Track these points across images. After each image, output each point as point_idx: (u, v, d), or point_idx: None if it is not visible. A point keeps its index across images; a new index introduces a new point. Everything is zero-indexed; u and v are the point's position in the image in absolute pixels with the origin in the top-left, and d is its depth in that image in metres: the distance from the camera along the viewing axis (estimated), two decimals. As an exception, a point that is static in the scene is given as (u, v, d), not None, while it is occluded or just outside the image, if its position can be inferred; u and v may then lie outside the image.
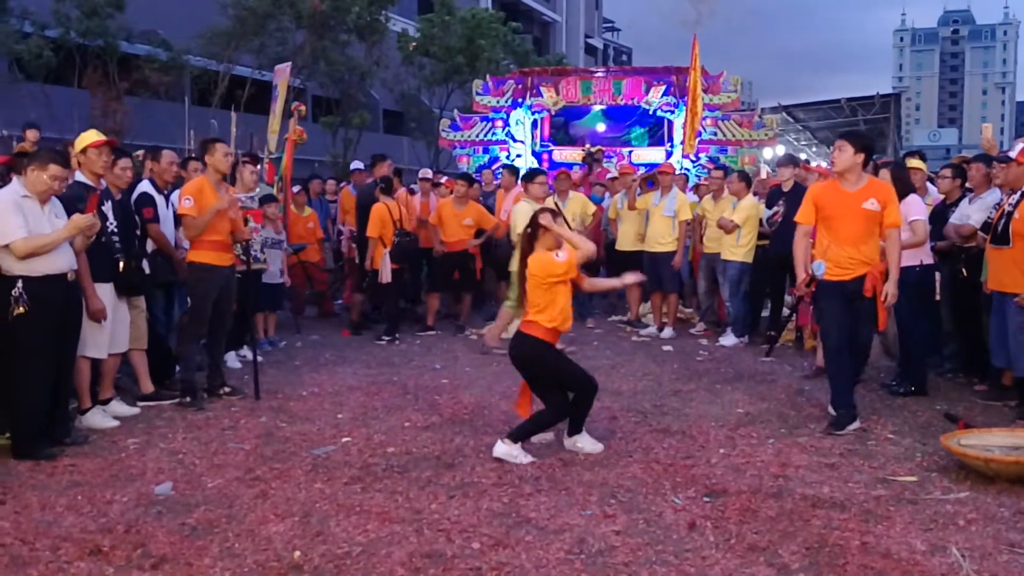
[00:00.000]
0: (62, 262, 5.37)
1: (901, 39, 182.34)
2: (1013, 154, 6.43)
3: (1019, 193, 6.26)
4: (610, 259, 11.08)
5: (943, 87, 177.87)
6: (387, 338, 9.51)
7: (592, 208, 10.91)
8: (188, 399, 6.57)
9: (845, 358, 6.04)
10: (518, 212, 8.70)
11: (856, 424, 5.90)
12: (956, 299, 7.10)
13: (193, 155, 8.39)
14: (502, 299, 10.78)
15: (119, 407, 6.31)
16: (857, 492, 4.71)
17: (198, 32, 20.70)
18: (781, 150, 19.32)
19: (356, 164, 12.53)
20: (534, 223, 5.55)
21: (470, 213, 10.24)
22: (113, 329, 6.09)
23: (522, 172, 10.76)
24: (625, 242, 10.50)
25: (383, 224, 9.51)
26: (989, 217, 6.68)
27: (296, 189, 10.76)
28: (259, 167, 8.90)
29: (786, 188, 9.02)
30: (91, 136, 6.11)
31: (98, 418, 6.02)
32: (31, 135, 7.58)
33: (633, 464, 5.21)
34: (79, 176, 5.95)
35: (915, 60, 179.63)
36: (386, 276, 9.45)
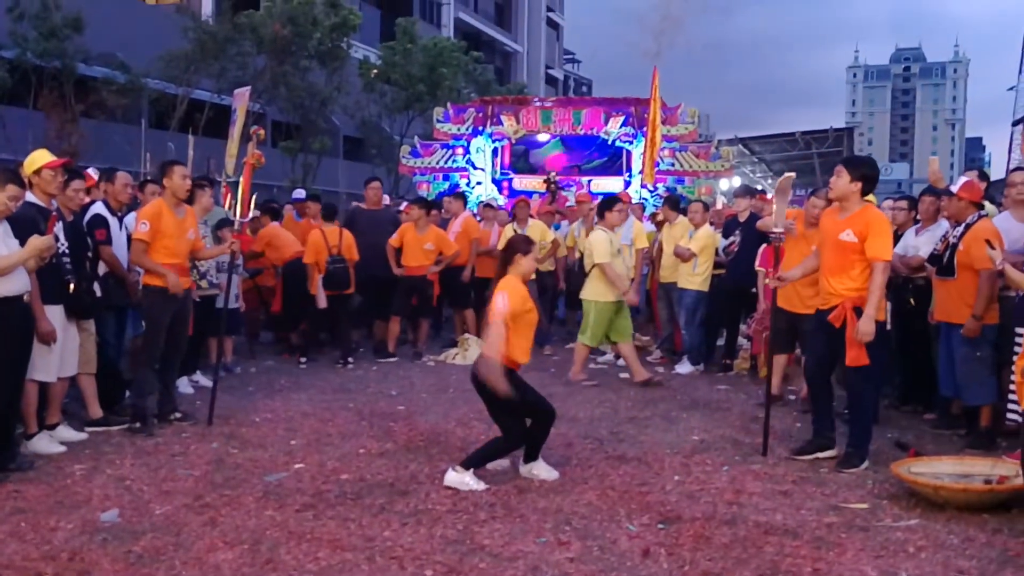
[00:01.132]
0: (18, 284, 5.27)
1: (854, 75, 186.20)
2: (955, 188, 6.56)
3: (963, 225, 6.40)
4: (569, 286, 11.14)
5: (895, 122, 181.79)
6: (341, 362, 9.47)
7: (551, 236, 10.97)
8: (138, 425, 6.46)
9: (820, 387, 5.96)
10: (596, 241, 8.66)
11: (831, 453, 5.86)
12: (904, 329, 7.19)
13: (149, 178, 8.31)
14: (461, 327, 10.80)
15: (66, 432, 6.17)
16: (809, 519, 4.74)
17: (157, 55, 20.57)
18: (737, 181, 19.59)
19: (298, 193, 12.45)
20: (512, 248, 5.52)
21: (431, 238, 10.23)
22: (62, 352, 5.97)
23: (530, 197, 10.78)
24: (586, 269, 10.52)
25: (318, 251, 9.54)
26: (935, 249, 6.80)
27: (253, 214, 10.68)
28: (213, 189, 8.84)
29: (742, 219, 9.14)
30: (44, 157, 6.02)
31: (44, 443, 5.89)
32: None
33: (588, 491, 5.20)
34: (30, 197, 5.86)
35: (868, 96, 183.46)
36: (322, 302, 9.47)
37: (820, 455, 5.85)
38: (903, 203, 7.87)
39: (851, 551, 4.28)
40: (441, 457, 5.86)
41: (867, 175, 5.70)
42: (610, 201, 9.00)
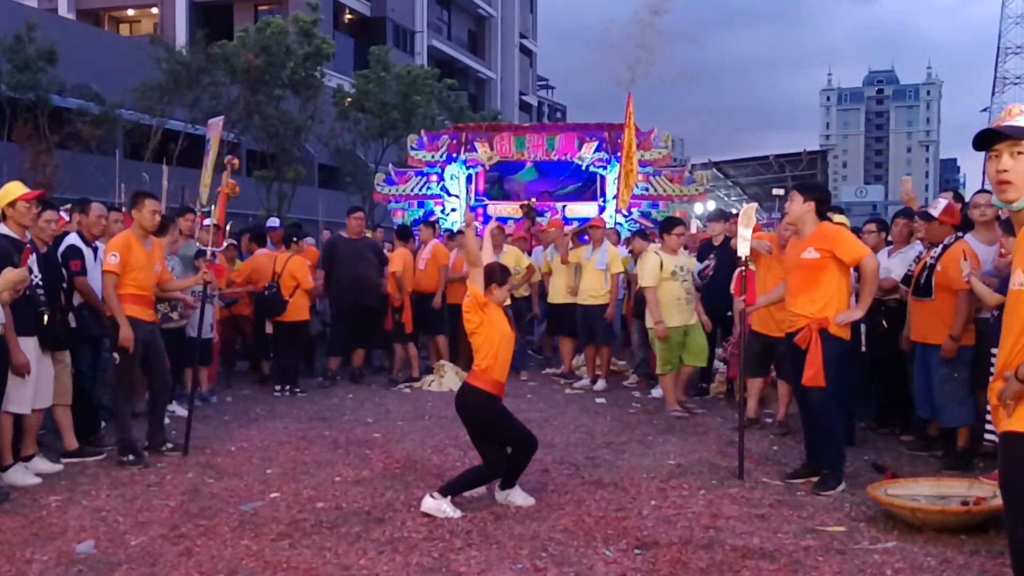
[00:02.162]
0: (-8, 316, 5.25)
1: (828, 98, 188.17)
2: (935, 211, 6.64)
3: (940, 247, 6.48)
4: (544, 312, 11.19)
5: (869, 145, 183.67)
6: (278, 390, 9.53)
7: (526, 261, 11.02)
8: (131, 457, 6.42)
9: (804, 413, 6.03)
10: (644, 263, 8.60)
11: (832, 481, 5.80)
12: (878, 351, 7.25)
13: (123, 207, 8.32)
14: (436, 354, 10.80)
15: (41, 464, 6.12)
16: (786, 542, 4.76)
17: (131, 86, 20.54)
18: (712, 205, 19.77)
19: (272, 222, 12.47)
20: (488, 278, 5.50)
21: (395, 264, 10.42)
22: (37, 384, 5.93)
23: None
24: (557, 295, 10.59)
25: (259, 277, 9.73)
26: (909, 270, 6.89)
27: (225, 243, 10.67)
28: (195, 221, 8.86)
29: (716, 242, 9.21)
30: (18, 189, 6.01)
31: (19, 475, 5.85)
32: None
33: (564, 517, 5.21)
34: (3, 229, 5.84)
35: (841, 119, 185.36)
36: (268, 328, 9.69)
37: (813, 479, 5.83)
38: (872, 226, 7.97)
39: (828, 574, 4.30)
40: (417, 484, 5.86)
41: (819, 197, 5.91)
42: (670, 223, 8.88)
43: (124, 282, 6.53)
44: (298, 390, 9.54)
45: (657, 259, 8.44)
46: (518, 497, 5.47)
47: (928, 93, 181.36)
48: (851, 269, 5.89)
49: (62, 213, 7.85)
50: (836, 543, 4.76)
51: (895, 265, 7.21)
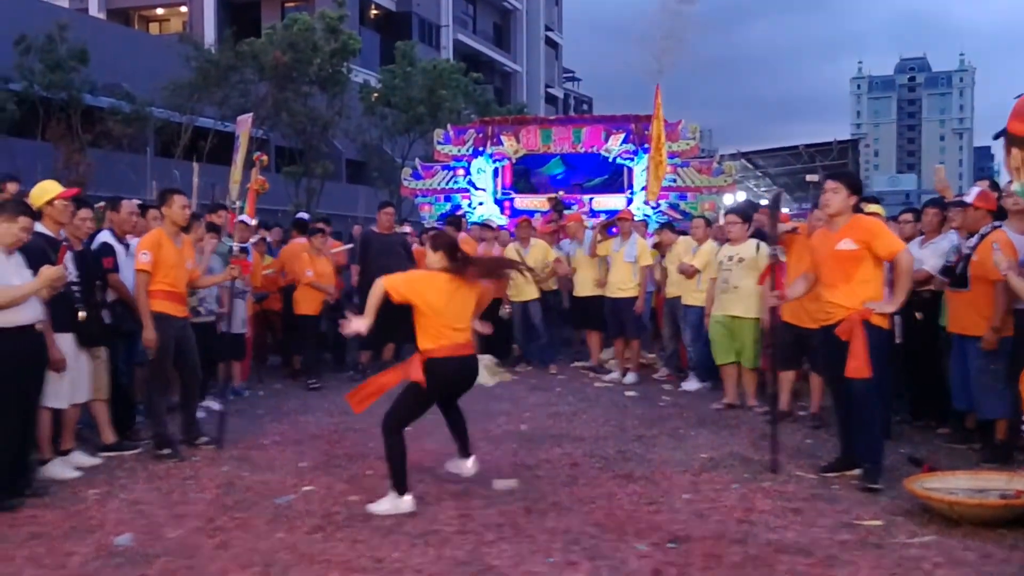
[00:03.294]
0: (31, 313, 5.33)
1: (858, 87, 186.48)
2: (969, 199, 6.54)
3: (976, 236, 6.37)
4: (571, 306, 11.19)
5: (901, 133, 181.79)
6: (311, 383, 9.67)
7: (553, 255, 11.01)
8: (167, 451, 6.49)
9: (842, 403, 5.92)
10: (708, 251, 8.74)
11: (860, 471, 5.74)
12: (910, 343, 7.15)
13: (149, 205, 8.39)
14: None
15: (80, 457, 6.22)
16: (822, 537, 4.72)
17: (162, 84, 20.74)
18: (741, 196, 19.60)
19: (301, 216, 12.59)
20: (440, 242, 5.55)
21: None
22: (74, 379, 6.03)
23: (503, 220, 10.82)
24: (583, 288, 10.58)
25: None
26: (948, 261, 6.78)
27: (255, 239, 10.74)
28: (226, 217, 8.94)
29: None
30: (54, 187, 6.10)
31: (59, 469, 5.94)
32: (11, 187, 7.52)
33: (596, 510, 5.21)
34: (38, 227, 5.91)
35: (872, 107, 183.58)
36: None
37: (848, 473, 5.79)
38: (908, 215, 7.89)
39: (865, 569, 4.26)
40: (448, 478, 5.87)
41: (859, 188, 5.85)
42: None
43: (155, 279, 6.59)
44: (312, 382, 9.63)
45: (715, 247, 8.50)
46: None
47: (961, 80, 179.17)
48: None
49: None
50: (873, 537, 4.71)
51: (927, 256, 7.10)
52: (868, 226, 5.69)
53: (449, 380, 5.48)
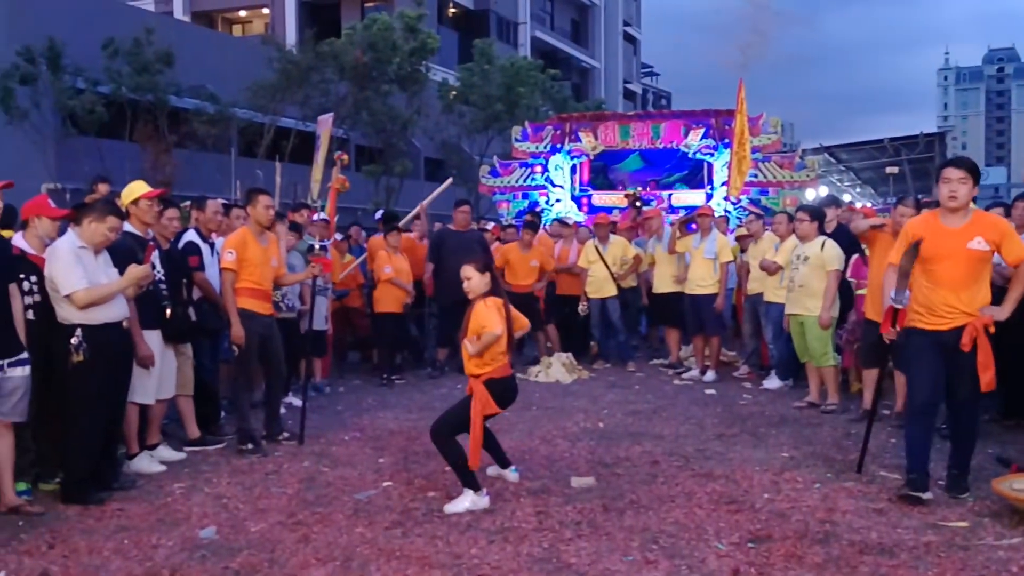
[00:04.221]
0: (118, 310, 5.49)
1: (945, 78, 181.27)
2: None
3: None
4: (649, 302, 11.11)
5: (989, 125, 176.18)
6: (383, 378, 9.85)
7: (633, 252, 10.94)
8: (250, 446, 6.64)
9: (930, 420, 5.37)
10: (791, 249, 8.58)
11: (928, 495, 5.23)
12: (1001, 340, 6.90)
13: (234, 205, 8.57)
14: (544, 345, 10.84)
15: (166, 452, 6.39)
16: (906, 538, 4.62)
17: (244, 85, 21.18)
18: (824, 191, 19.23)
19: (379, 215, 12.73)
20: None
21: (535, 255, 10.74)
22: (160, 375, 6.20)
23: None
24: (662, 284, 10.50)
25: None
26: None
27: (338, 237, 10.90)
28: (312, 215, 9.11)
29: (829, 229, 8.94)
30: (141, 187, 6.27)
31: (145, 463, 6.12)
32: (102, 188, 7.78)
33: (675, 509, 5.16)
34: (127, 226, 6.09)
35: (960, 99, 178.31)
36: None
37: (924, 496, 5.23)
38: (998, 209, 7.62)
39: (950, 571, 4.16)
40: (526, 475, 5.88)
41: (979, 179, 5.29)
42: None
43: (241, 277, 6.73)
44: (385, 377, 9.80)
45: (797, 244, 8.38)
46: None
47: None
48: None
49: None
50: (959, 539, 4.59)
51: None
52: (999, 226, 5.24)
53: (502, 399, 5.47)
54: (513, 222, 13.03)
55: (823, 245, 8.07)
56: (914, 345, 5.32)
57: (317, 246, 7.93)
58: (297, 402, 7.90)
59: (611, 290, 10.70)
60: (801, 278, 8.15)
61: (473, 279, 5.40)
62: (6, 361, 5.05)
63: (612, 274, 10.68)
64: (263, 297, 6.91)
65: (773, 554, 4.41)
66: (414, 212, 11.36)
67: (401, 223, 10.79)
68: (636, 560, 4.37)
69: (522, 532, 4.78)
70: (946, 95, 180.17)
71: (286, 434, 7.05)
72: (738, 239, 10.63)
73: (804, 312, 8.13)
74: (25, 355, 5.15)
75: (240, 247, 6.71)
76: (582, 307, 10.79)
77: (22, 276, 5.34)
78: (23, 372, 5.12)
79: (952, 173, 5.16)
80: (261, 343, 6.84)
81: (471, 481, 5.25)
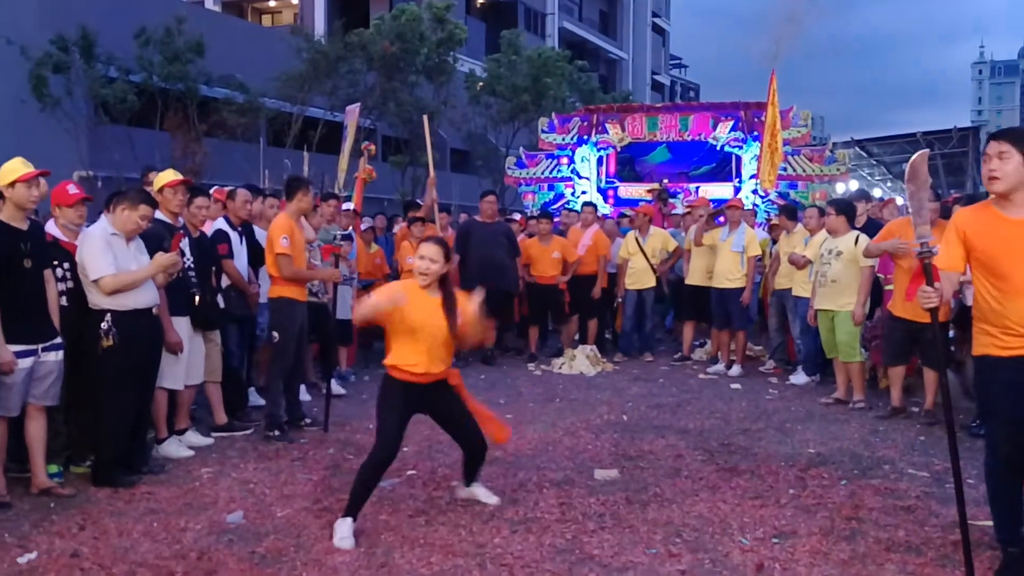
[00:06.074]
0: (147, 297, 5.55)
1: (980, 72, 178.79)
2: None
3: None
4: (679, 294, 11.07)
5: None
6: None
7: (673, 244, 10.91)
8: (276, 432, 6.69)
9: (1015, 473, 4.11)
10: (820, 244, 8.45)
11: None
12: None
13: (268, 193, 8.61)
14: (569, 336, 10.84)
15: (194, 437, 6.46)
16: (934, 536, 4.58)
17: (273, 76, 21.29)
18: (854, 185, 19.06)
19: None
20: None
21: (556, 247, 10.70)
22: (189, 361, 6.26)
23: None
24: (695, 277, 10.44)
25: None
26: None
27: (364, 226, 10.93)
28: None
29: (859, 224, 8.86)
30: (167, 176, 6.33)
31: (174, 448, 6.19)
32: (152, 177, 7.93)
33: (699, 503, 5.14)
34: (158, 214, 6.15)
35: (994, 93, 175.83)
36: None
37: None
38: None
39: (979, 570, 4.08)
40: (549, 466, 5.89)
41: None
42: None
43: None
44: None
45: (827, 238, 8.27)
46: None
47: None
48: None
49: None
50: (987, 538, 4.52)
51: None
52: None
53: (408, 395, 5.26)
54: (536, 214, 13.02)
55: (857, 240, 7.98)
56: (990, 380, 4.09)
57: (339, 235, 7.95)
58: (339, 389, 7.93)
59: (650, 281, 10.73)
60: (834, 273, 8.05)
61: (437, 264, 4.87)
62: (40, 346, 5.12)
63: (652, 266, 10.68)
64: (301, 284, 6.99)
65: (798, 550, 4.39)
66: (427, 203, 10.95)
67: (423, 213, 10.75)
68: (659, 553, 4.37)
69: (545, 523, 4.79)
70: (980, 89, 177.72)
71: (307, 420, 7.10)
72: (771, 228, 10.58)
73: (835, 307, 8.06)
74: (59, 340, 5.24)
75: (292, 233, 6.76)
76: (620, 296, 10.93)
77: (56, 262, 5.42)
78: (56, 357, 5.21)
79: (991, 148, 3.99)
80: (300, 331, 6.91)
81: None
